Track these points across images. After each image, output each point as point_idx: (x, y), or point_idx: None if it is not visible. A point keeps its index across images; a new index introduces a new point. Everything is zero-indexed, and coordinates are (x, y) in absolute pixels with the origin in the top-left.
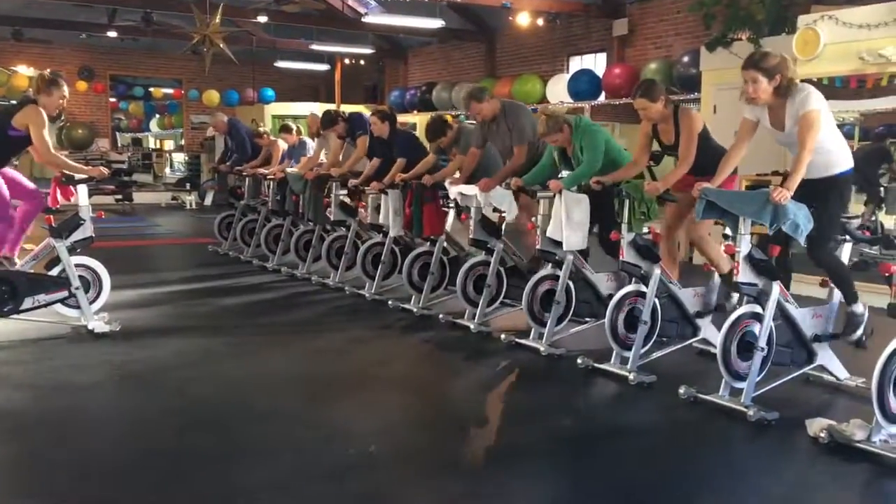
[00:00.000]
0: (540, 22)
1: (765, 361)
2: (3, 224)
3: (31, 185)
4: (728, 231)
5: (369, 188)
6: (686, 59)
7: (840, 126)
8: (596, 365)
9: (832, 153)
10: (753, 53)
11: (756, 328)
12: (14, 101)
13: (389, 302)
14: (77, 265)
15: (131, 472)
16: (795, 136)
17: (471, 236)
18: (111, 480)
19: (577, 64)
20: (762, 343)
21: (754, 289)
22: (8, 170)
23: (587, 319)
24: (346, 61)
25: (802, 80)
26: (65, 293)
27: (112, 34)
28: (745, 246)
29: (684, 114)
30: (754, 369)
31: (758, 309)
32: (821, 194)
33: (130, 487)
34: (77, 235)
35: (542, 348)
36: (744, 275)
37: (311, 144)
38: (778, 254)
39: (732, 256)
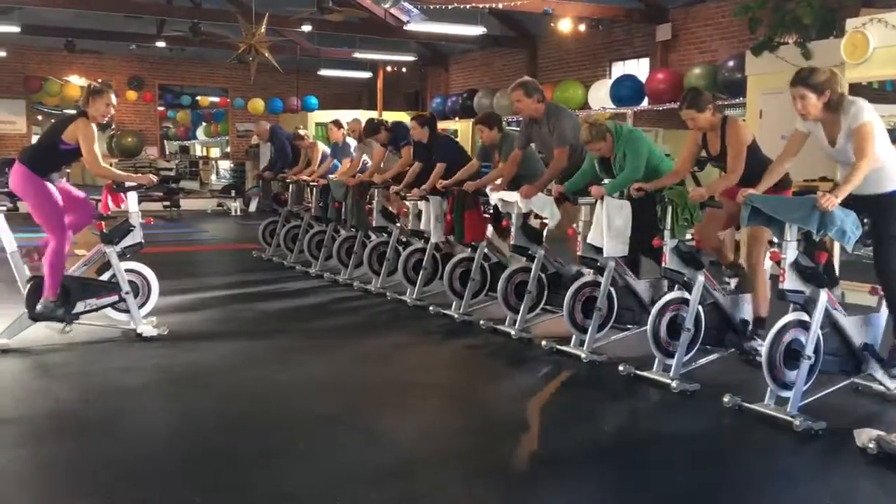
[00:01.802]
0: (582, 28)
1: (812, 370)
2: (58, 232)
3: (81, 195)
4: (774, 238)
5: (410, 195)
6: (731, 63)
7: (890, 131)
8: (638, 372)
9: (884, 169)
10: (801, 70)
11: (803, 336)
12: (68, 111)
13: (430, 308)
14: (127, 270)
15: (178, 473)
16: (847, 152)
17: (512, 243)
18: (158, 480)
19: (619, 69)
20: (809, 351)
21: (801, 296)
22: (60, 182)
23: (629, 326)
24: (388, 69)
25: (851, 84)
26: (115, 297)
27: (160, 44)
28: (791, 253)
29: (732, 126)
30: (801, 378)
31: (804, 317)
32: (874, 212)
33: (177, 488)
34: (127, 241)
35: (583, 355)
36: (790, 282)
37: (355, 145)
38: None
39: (779, 263)
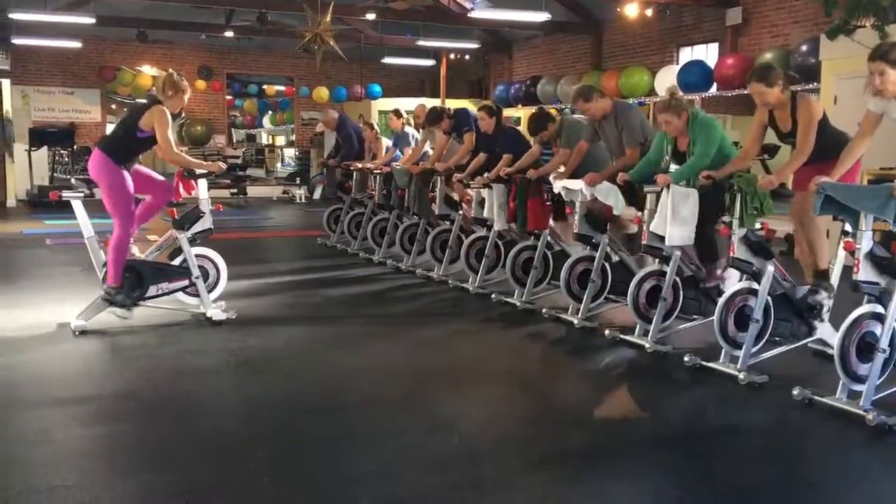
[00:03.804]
0: (649, 13)
1: (886, 363)
2: (124, 221)
3: (160, 177)
4: (848, 227)
5: (474, 182)
6: (804, 47)
7: None
8: (704, 363)
9: None
10: (881, 44)
11: (877, 329)
12: (140, 100)
13: (493, 295)
14: (197, 255)
15: (246, 454)
16: None
17: (575, 231)
18: (228, 460)
19: (687, 55)
20: (884, 344)
21: (876, 287)
22: (138, 166)
23: (695, 317)
24: (452, 56)
25: None
26: (186, 282)
27: (229, 34)
28: (866, 243)
29: (802, 101)
30: (875, 371)
31: (879, 309)
32: None
33: (245, 467)
34: (197, 227)
35: (647, 345)
36: (865, 273)
37: (416, 135)
38: None
39: (852, 254)
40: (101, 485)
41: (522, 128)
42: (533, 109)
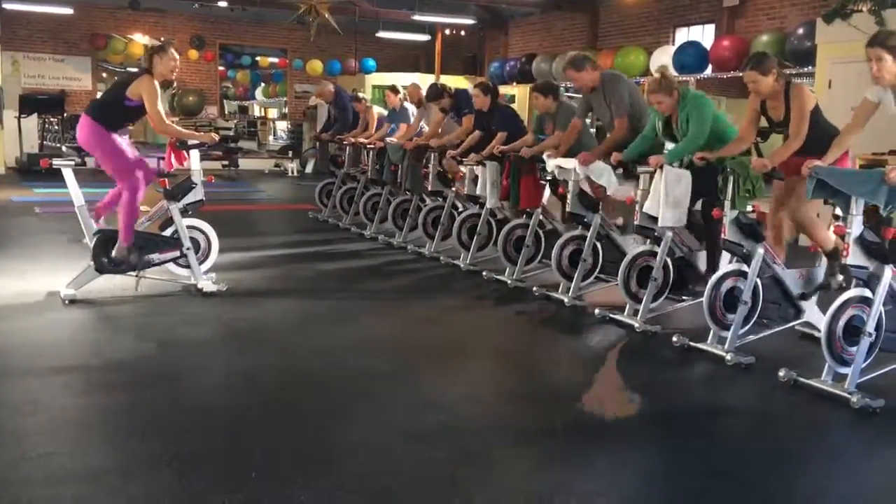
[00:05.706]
0: None
1: (872, 347)
2: (130, 181)
3: (142, 159)
4: (839, 211)
5: (467, 159)
6: (801, 31)
7: None
8: (692, 344)
9: None
10: (879, 32)
11: (864, 312)
12: (131, 69)
13: (484, 273)
14: (188, 227)
15: (238, 425)
16: None
17: (568, 210)
18: (218, 430)
19: (683, 35)
20: (870, 328)
21: (864, 272)
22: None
23: (685, 297)
24: (447, 32)
25: None
26: (177, 253)
27: (222, 4)
28: (856, 227)
29: (796, 90)
30: (860, 354)
31: (867, 293)
32: None
33: (235, 438)
34: (189, 198)
35: (636, 324)
36: (854, 257)
37: (413, 110)
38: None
39: (843, 238)
40: (91, 453)
41: (517, 106)
42: (527, 88)
